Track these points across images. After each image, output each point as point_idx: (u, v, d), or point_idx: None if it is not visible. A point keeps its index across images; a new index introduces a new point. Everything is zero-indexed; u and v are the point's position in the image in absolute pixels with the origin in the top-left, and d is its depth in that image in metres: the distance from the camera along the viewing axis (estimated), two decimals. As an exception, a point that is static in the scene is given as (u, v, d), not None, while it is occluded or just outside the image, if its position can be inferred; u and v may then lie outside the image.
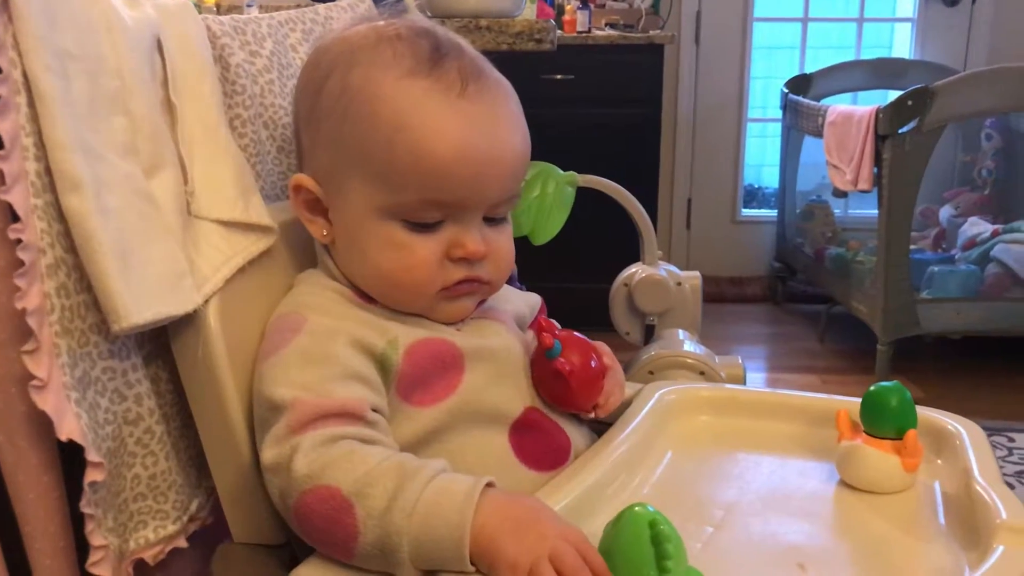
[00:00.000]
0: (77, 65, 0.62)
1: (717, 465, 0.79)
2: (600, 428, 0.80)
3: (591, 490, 0.69)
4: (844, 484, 0.74)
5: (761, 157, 3.77)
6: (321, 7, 0.94)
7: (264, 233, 0.75)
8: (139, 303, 0.61)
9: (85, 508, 0.61)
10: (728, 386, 0.88)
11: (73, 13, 0.63)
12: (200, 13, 0.79)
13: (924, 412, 0.79)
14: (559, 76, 2.93)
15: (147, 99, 0.68)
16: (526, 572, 0.56)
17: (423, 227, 0.70)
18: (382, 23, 0.74)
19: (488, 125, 0.70)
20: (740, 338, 3.17)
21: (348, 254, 0.73)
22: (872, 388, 0.74)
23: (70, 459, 0.62)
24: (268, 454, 0.63)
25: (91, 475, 0.61)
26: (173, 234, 0.67)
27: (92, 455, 0.60)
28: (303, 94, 0.76)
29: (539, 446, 0.74)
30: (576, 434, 0.77)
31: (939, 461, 0.76)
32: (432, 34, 0.73)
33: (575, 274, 2.76)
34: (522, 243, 1.11)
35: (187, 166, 0.71)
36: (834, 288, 3.03)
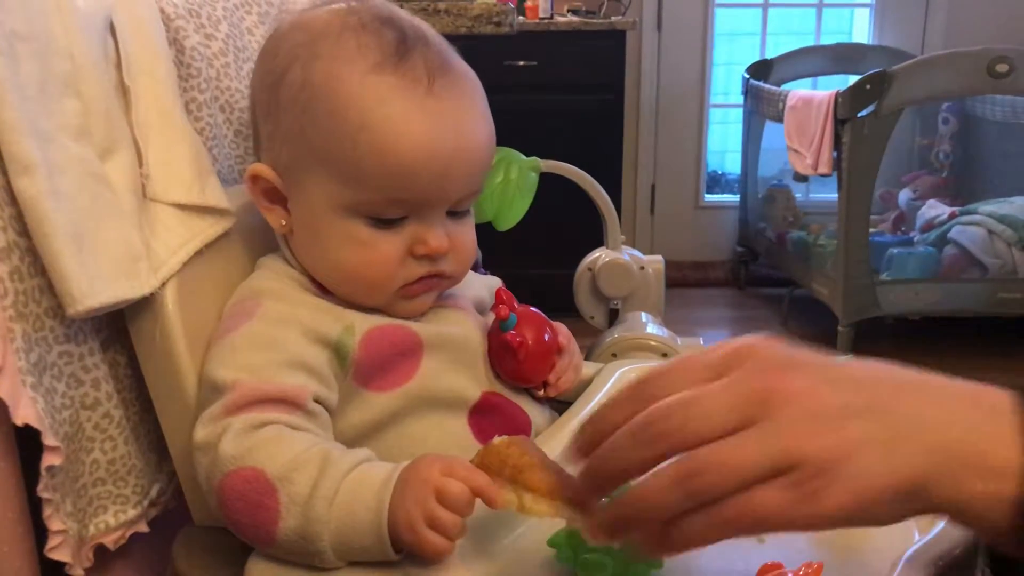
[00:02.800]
0: (26, 46, 0.61)
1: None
2: (562, 408, 0.81)
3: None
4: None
5: (724, 143, 3.80)
6: (277, -10, 0.94)
7: (221, 216, 0.74)
8: (94, 286, 0.61)
9: (43, 493, 0.61)
10: (687, 365, 0.89)
11: (21, -7, 0.62)
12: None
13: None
14: (522, 62, 2.93)
15: (100, 81, 0.67)
16: (423, 523, 0.56)
17: (386, 224, 0.69)
18: (343, 7, 0.72)
19: (454, 121, 0.69)
20: (704, 322, 3.20)
21: (307, 247, 0.72)
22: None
23: (27, 445, 0.62)
24: (200, 433, 0.63)
25: (48, 459, 0.60)
26: (128, 217, 0.66)
27: (49, 439, 0.60)
28: (261, 84, 0.74)
29: (499, 428, 0.74)
30: (536, 412, 0.78)
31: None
32: (397, 23, 0.71)
33: (539, 260, 2.77)
34: (485, 229, 1.11)
35: (142, 149, 0.71)
36: (796, 271, 3.06)
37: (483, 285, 0.85)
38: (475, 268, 1.55)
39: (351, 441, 0.68)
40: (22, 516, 0.63)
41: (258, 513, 0.59)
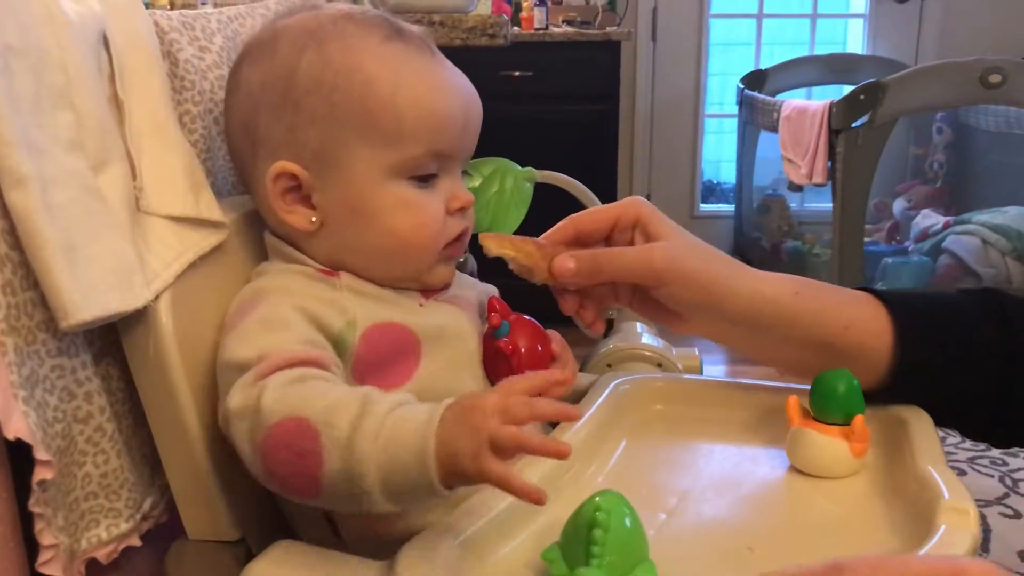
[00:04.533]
0: (20, 60, 0.61)
1: (671, 453, 0.80)
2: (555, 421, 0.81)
3: (545, 479, 0.69)
4: (794, 469, 0.75)
5: (719, 153, 3.81)
6: (271, 2, 0.94)
7: (215, 229, 0.74)
8: (87, 299, 0.61)
9: (34, 507, 0.61)
10: (682, 376, 0.89)
11: (14, 7, 0.62)
12: (151, 10, 0.78)
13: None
14: (517, 73, 2.93)
15: (93, 94, 0.67)
16: (488, 449, 0.56)
17: (425, 181, 0.73)
18: (318, 11, 0.76)
19: (459, 79, 0.75)
20: (699, 331, 3.19)
21: (346, 232, 0.73)
22: (820, 375, 0.76)
23: (19, 458, 0.62)
24: (235, 400, 0.63)
25: (40, 473, 0.60)
26: (121, 230, 0.66)
27: (41, 453, 0.59)
28: (264, 85, 0.74)
29: None
30: (528, 426, 0.77)
31: (887, 446, 0.77)
32: (377, 13, 0.76)
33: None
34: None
35: (136, 162, 0.71)
36: (791, 281, 3.06)
37: (482, 291, 0.85)
38: (470, 275, 1.55)
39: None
40: (13, 530, 0.62)
41: (302, 461, 0.59)
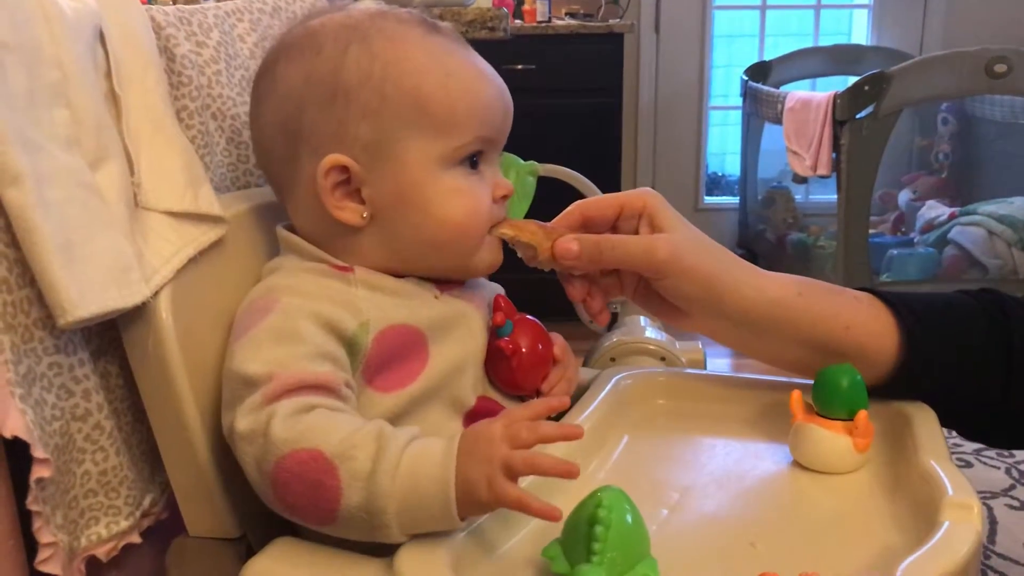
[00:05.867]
0: (13, 56, 0.61)
1: (673, 448, 0.79)
2: (556, 415, 0.80)
3: (543, 479, 0.69)
4: (797, 464, 0.75)
5: (723, 145, 3.80)
6: (270, -4, 0.93)
7: (215, 224, 0.74)
8: (84, 296, 0.60)
9: (32, 505, 0.60)
10: (684, 370, 0.89)
11: (7, 2, 0.61)
12: (148, 5, 0.78)
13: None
14: (520, 66, 2.92)
15: (89, 90, 0.66)
16: (502, 475, 0.58)
17: (474, 167, 0.74)
18: (351, 10, 0.77)
19: (493, 70, 0.77)
20: (704, 324, 3.18)
21: (397, 223, 0.73)
22: (824, 369, 0.75)
23: (17, 456, 0.61)
24: (242, 423, 0.63)
25: (38, 471, 0.60)
26: (119, 226, 0.66)
27: (38, 451, 0.59)
28: (310, 81, 0.73)
29: None
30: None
31: (890, 441, 0.76)
32: (409, 11, 0.77)
33: (539, 263, 2.76)
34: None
35: (133, 158, 0.70)
36: (796, 273, 3.05)
37: (491, 290, 0.85)
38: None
39: None
40: (13, 528, 0.62)
41: (318, 493, 0.60)
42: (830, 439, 0.73)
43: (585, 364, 1.35)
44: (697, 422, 0.83)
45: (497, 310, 0.77)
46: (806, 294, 0.78)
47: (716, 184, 3.80)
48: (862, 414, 0.73)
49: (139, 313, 0.66)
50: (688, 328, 0.82)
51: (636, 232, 0.78)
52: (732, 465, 0.76)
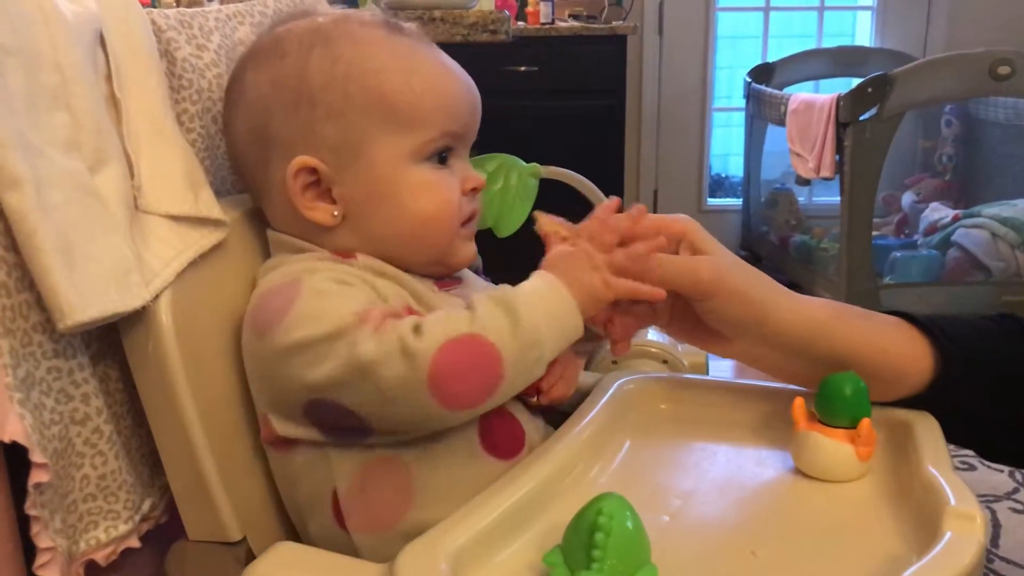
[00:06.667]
0: (13, 60, 0.60)
1: (675, 454, 0.79)
2: (558, 421, 0.80)
3: (549, 480, 0.69)
4: (799, 472, 0.74)
5: (727, 146, 3.79)
6: (271, 0, 0.93)
7: (215, 227, 0.74)
8: (84, 300, 0.60)
9: (30, 510, 0.60)
10: (687, 375, 0.89)
11: (6, 6, 0.61)
12: (150, 8, 0.78)
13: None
14: (523, 68, 2.92)
15: (89, 94, 0.66)
16: (611, 295, 0.69)
17: (443, 162, 0.76)
18: (307, 18, 0.78)
19: (459, 67, 0.78)
20: (706, 326, 3.17)
21: (369, 221, 0.74)
22: (827, 377, 0.75)
23: (16, 461, 0.61)
24: (366, 350, 0.62)
25: (36, 476, 0.59)
26: (119, 229, 0.65)
27: (37, 456, 0.59)
28: (275, 84, 0.74)
29: (499, 432, 0.74)
30: (530, 425, 0.77)
31: (893, 450, 0.76)
32: (374, 14, 0.79)
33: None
34: (486, 236, 1.12)
35: (134, 161, 0.70)
36: (799, 275, 3.05)
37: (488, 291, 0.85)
38: (476, 274, 1.54)
39: (362, 419, 0.67)
40: (11, 533, 0.62)
41: (481, 362, 0.64)
42: (833, 447, 0.73)
43: (587, 367, 1.35)
44: (699, 428, 0.82)
45: None
46: (841, 317, 0.78)
47: (719, 186, 3.80)
48: (865, 422, 0.72)
49: (139, 317, 0.66)
50: (724, 354, 0.81)
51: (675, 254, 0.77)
52: (734, 472, 0.75)
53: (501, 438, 0.73)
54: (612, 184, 2.96)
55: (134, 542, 0.71)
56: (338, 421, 0.67)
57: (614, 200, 0.76)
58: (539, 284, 0.68)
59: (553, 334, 0.67)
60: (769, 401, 0.83)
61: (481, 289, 0.83)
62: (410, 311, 0.72)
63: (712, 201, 3.72)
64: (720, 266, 0.75)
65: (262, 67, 0.76)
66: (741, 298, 0.75)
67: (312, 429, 0.69)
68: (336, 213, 0.74)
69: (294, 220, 0.75)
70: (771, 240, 3.29)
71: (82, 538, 0.67)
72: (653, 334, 1.63)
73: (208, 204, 0.74)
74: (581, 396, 0.83)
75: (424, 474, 0.69)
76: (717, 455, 0.78)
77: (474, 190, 0.78)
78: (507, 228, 1.64)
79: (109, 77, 0.70)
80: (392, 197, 0.74)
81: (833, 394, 0.74)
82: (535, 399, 0.78)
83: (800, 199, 3.41)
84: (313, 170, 0.73)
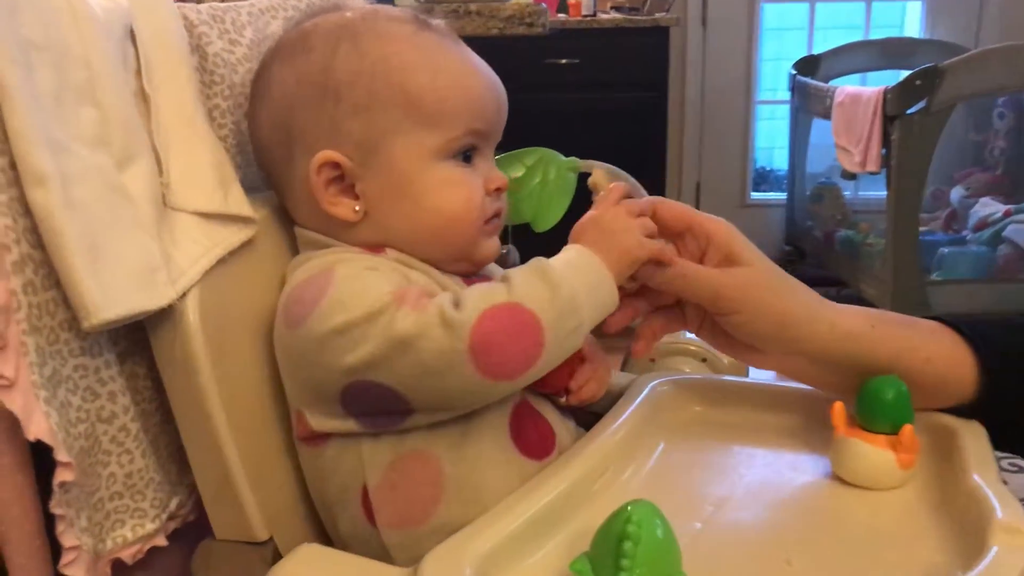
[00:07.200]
0: (42, 56, 0.60)
1: (710, 458, 0.77)
2: (590, 423, 0.79)
3: (579, 483, 0.68)
4: (838, 479, 0.72)
5: (773, 139, 3.74)
6: (305, -7, 0.92)
7: (245, 224, 0.73)
8: (109, 298, 0.60)
9: (55, 509, 0.60)
10: (723, 377, 0.87)
11: (35, 3, 0.61)
12: (181, 3, 0.77)
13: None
14: (564, 60, 2.90)
15: (118, 90, 0.66)
16: (640, 255, 0.70)
17: (467, 160, 0.75)
18: (335, 13, 0.78)
19: (486, 65, 0.78)
20: (749, 322, 3.13)
21: (390, 217, 0.74)
22: (868, 381, 0.72)
23: (43, 459, 0.61)
24: (405, 325, 0.62)
25: (61, 475, 0.59)
26: (146, 227, 0.65)
27: (61, 455, 0.59)
28: (300, 80, 0.74)
29: (531, 433, 0.73)
30: (560, 426, 0.75)
31: (937, 458, 0.73)
32: (402, 9, 0.79)
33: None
34: (526, 229, 1.12)
35: (163, 157, 0.70)
36: (844, 271, 3.00)
37: None
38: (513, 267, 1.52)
39: (401, 396, 0.66)
40: (39, 530, 0.62)
41: (522, 331, 0.63)
42: (873, 454, 0.70)
43: (624, 365, 1.33)
44: (735, 431, 0.80)
45: None
46: (880, 327, 0.75)
47: (764, 179, 3.75)
48: (907, 428, 0.70)
49: (166, 315, 0.66)
50: (762, 366, 0.79)
51: (700, 259, 0.75)
52: (770, 477, 0.74)
53: (532, 438, 0.72)
54: (654, 177, 2.94)
55: (161, 540, 0.70)
56: (376, 405, 0.67)
57: (620, 186, 0.75)
58: (572, 255, 0.69)
59: (590, 301, 0.67)
60: (808, 404, 0.80)
61: None
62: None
63: (756, 195, 3.66)
64: (747, 281, 0.73)
65: (288, 62, 0.75)
66: (769, 313, 0.73)
67: (348, 419, 0.68)
68: (358, 208, 0.73)
69: (318, 216, 0.75)
70: (816, 235, 3.24)
71: (109, 536, 0.67)
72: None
73: (237, 201, 0.73)
74: (613, 398, 0.81)
75: (455, 469, 0.69)
76: (753, 459, 0.76)
77: (498, 190, 0.77)
78: (546, 223, 1.62)
79: (139, 72, 0.70)
80: (415, 194, 0.73)
81: (874, 399, 0.72)
82: (564, 398, 0.77)
83: (846, 193, 3.34)
84: (336, 165, 0.73)
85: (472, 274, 0.79)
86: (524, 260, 1.27)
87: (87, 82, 0.63)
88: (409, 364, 0.63)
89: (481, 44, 0.81)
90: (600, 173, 0.75)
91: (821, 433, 0.75)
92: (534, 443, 0.72)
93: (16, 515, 0.62)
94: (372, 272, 0.69)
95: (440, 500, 0.68)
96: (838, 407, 0.73)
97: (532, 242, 1.42)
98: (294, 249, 0.78)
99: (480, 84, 0.75)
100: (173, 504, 0.72)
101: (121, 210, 0.63)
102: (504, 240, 1.65)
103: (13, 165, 0.58)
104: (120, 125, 0.66)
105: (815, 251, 3.25)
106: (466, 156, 0.75)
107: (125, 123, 0.66)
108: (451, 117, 0.73)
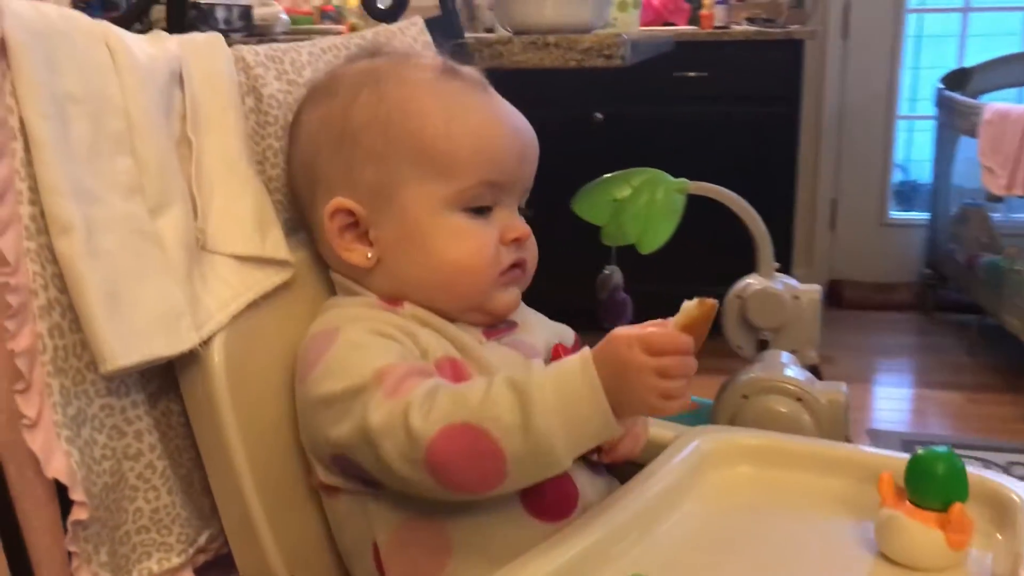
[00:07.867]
0: (79, 107, 0.63)
1: (749, 524, 0.73)
2: (630, 473, 0.76)
3: (593, 548, 0.65)
4: (883, 556, 0.67)
5: (919, 152, 3.55)
6: (369, 32, 0.93)
7: (280, 267, 0.75)
8: (127, 345, 0.62)
9: (69, 546, 0.62)
10: (772, 434, 0.82)
11: (77, 55, 0.64)
12: (237, 47, 0.79)
13: (988, 477, 0.71)
14: (692, 73, 2.84)
15: (156, 138, 0.68)
16: (660, 399, 0.61)
17: (480, 213, 0.73)
18: (370, 58, 0.79)
19: (514, 114, 0.76)
20: (882, 349, 2.99)
21: (401, 265, 0.74)
22: (919, 452, 0.67)
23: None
24: (374, 418, 0.62)
25: (76, 514, 0.62)
26: (175, 272, 0.67)
27: (78, 495, 0.61)
28: (322, 125, 0.75)
29: (548, 493, 0.70)
30: (587, 484, 0.73)
31: (997, 535, 0.68)
32: (436, 56, 0.80)
33: (687, 280, 2.67)
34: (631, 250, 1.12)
35: (204, 201, 0.72)
36: (986, 299, 2.82)
37: (553, 332, 0.82)
38: (614, 290, 1.52)
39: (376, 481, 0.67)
40: (63, 566, 0.65)
41: (482, 459, 0.61)
42: (920, 532, 0.65)
43: (717, 398, 1.29)
44: (780, 495, 0.76)
45: (555, 358, 0.73)
46: None
47: (906, 197, 3.56)
48: (957, 507, 0.64)
49: (193, 357, 0.68)
50: None
51: None
52: (812, 550, 0.69)
53: (550, 499, 0.70)
54: (782, 193, 2.84)
55: (188, 574, 0.72)
56: (361, 476, 0.67)
57: (711, 302, 0.65)
58: (575, 377, 0.62)
59: (570, 442, 0.61)
60: (860, 470, 0.76)
61: (540, 331, 0.79)
62: (453, 364, 0.70)
63: (895, 214, 3.49)
64: None
65: (315, 105, 0.76)
66: None
67: (349, 479, 0.69)
68: (371, 255, 0.73)
69: (339, 261, 0.75)
70: (958, 259, 3.05)
71: (135, 568, 0.69)
72: (791, 370, 1.54)
73: (275, 245, 0.74)
74: (654, 450, 0.78)
75: (462, 535, 0.68)
76: (795, 530, 0.72)
77: (516, 240, 0.75)
78: (650, 244, 1.59)
79: (184, 116, 0.72)
80: (423, 243, 0.72)
81: (923, 472, 0.67)
82: (596, 456, 0.74)
83: (994, 216, 3.14)
84: (350, 212, 0.73)
85: (492, 325, 0.77)
86: (628, 279, 1.26)
87: (124, 132, 0.66)
88: (375, 458, 0.63)
89: (504, 97, 0.79)
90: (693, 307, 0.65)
91: (870, 499, 0.70)
92: (549, 504, 0.70)
93: (48, 544, 0.65)
94: (375, 338, 0.68)
95: (448, 562, 0.68)
96: (886, 478, 0.68)
97: (637, 263, 1.41)
98: (332, 290, 0.79)
99: (500, 133, 0.74)
100: (203, 538, 0.74)
101: (148, 257, 0.65)
102: (608, 261, 1.63)
103: (44, 214, 0.60)
104: (156, 172, 0.68)
105: (956, 276, 3.06)
106: (481, 208, 0.73)
107: (161, 170, 0.68)
108: (464, 166, 0.72)
